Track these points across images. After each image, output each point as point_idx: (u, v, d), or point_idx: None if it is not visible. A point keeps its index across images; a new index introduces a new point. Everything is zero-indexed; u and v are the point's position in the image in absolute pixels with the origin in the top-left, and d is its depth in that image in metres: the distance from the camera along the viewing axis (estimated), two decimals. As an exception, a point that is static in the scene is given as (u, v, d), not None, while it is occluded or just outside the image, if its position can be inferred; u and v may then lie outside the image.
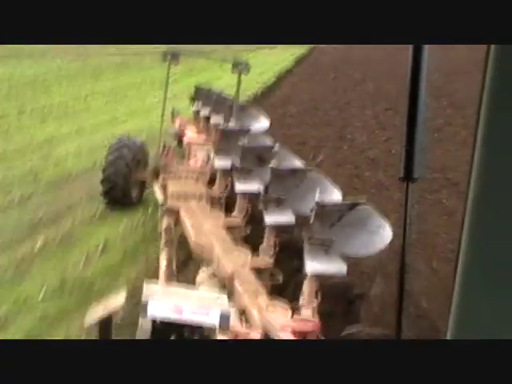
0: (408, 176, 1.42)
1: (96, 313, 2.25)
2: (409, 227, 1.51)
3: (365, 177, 9.31)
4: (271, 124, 9.47)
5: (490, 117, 1.11)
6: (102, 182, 7.60)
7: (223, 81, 7.27)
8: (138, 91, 16.97)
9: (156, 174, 7.47)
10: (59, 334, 4.70)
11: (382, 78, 18.02)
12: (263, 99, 15.73)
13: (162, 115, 8.29)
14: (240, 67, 8.07)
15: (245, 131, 7.01)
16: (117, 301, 2.31)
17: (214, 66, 18.06)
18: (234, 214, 6.01)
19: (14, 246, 6.49)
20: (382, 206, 6.75)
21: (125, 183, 7.51)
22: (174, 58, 7.92)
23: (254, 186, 5.87)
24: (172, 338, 2.31)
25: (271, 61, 23.65)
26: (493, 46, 1.11)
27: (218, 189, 6.83)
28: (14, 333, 4.80)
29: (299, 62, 24.44)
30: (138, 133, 8.83)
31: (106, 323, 2.26)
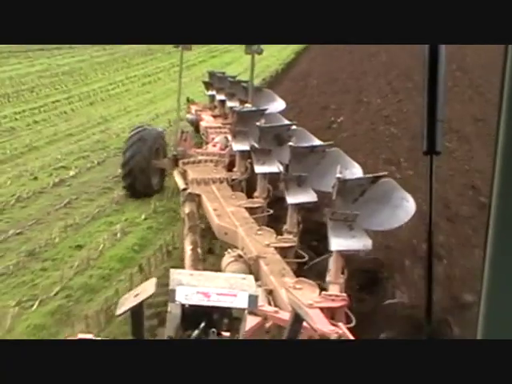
0: (431, 149, 1.40)
1: (127, 301, 2.27)
2: (434, 200, 1.49)
3: (379, 130, 10.51)
4: (295, 94, 12.35)
5: (510, 120, 1.08)
6: (123, 176, 7.64)
7: (245, 59, 7.76)
8: (168, 74, 18.07)
9: (175, 161, 7.49)
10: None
11: (395, 50, 18.83)
12: (285, 75, 17.30)
13: (178, 102, 8.28)
14: (253, 48, 8.01)
15: (261, 112, 6.98)
16: (147, 289, 2.33)
17: (235, 47, 18.80)
18: (256, 195, 6.01)
19: (107, 192, 8.15)
20: (396, 153, 8.89)
21: (145, 171, 7.51)
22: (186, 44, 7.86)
23: (273, 166, 5.86)
24: (202, 321, 2.32)
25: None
26: (510, 47, 1.08)
27: (237, 171, 6.82)
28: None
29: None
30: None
31: (137, 311, 2.28)
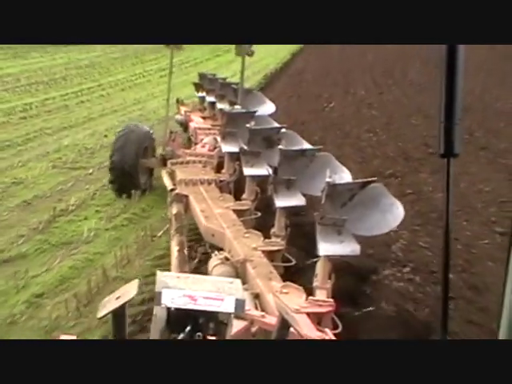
0: (449, 152, 1.37)
1: (109, 304, 2.22)
2: (451, 203, 1.46)
3: (363, 112, 13.51)
4: (293, 86, 16.62)
5: None
6: (110, 170, 7.54)
7: (247, 58, 8.86)
8: (180, 69, 20.22)
9: (164, 161, 7.43)
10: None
11: (380, 50, 22.78)
12: (283, 73, 20.40)
13: (168, 102, 8.23)
14: (244, 49, 7.97)
15: (251, 114, 6.95)
16: (130, 291, 2.28)
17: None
18: (244, 197, 5.98)
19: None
20: (375, 126, 11.85)
21: (133, 170, 7.44)
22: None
23: (262, 168, 5.83)
24: (188, 325, 2.28)
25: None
26: None
27: (226, 173, 6.79)
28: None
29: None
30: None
31: (119, 314, 2.23)
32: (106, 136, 11.13)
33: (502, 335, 1.15)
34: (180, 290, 2.32)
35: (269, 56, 22.86)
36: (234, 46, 8.06)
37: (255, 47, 7.79)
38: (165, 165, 7.35)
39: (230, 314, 2.34)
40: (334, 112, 13.53)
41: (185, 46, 7.99)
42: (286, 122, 9.83)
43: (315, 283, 4.08)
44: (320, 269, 4.12)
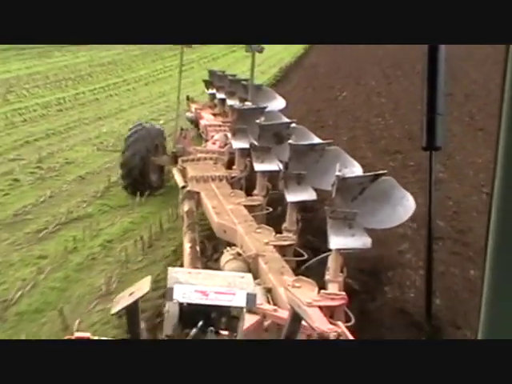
0: (431, 145, 1.37)
1: (123, 300, 2.25)
2: (434, 195, 1.47)
3: (373, 100, 14.49)
4: (307, 78, 17.80)
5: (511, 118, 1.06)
6: (121, 165, 7.57)
7: (264, 55, 10.60)
8: (199, 64, 21.56)
9: (175, 159, 7.46)
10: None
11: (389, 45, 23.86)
12: (297, 66, 21.53)
13: (178, 99, 8.26)
14: (254, 46, 7.99)
15: (261, 110, 6.97)
16: (143, 287, 2.31)
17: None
18: (255, 193, 6.00)
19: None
20: (384, 111, 12.90)
21: (144, 168, 7.46)
22: None
23: (273, 164, 5.85)
24: (200, 320, 2.31)
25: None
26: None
27: (237, 169, 6.81)
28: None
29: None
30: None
31: (132, 310, 2.26)
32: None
33: (481, 335, 1.16)
34: (192, 286, 2.35)
35: (283, 50, 24.38)
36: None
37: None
38: (176, 162, 7.38)
39: (241, 308, 2.36)
40: (346, 100, 14.67)
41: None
42: (303, 109, 12.70)
43: (327, 276, 4.09)
44: (332, 262, 4.13)
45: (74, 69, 20.96)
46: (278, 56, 22.98)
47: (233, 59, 22.64)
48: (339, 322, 3.57)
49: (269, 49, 9.83)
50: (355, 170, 5.15)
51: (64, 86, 17.43)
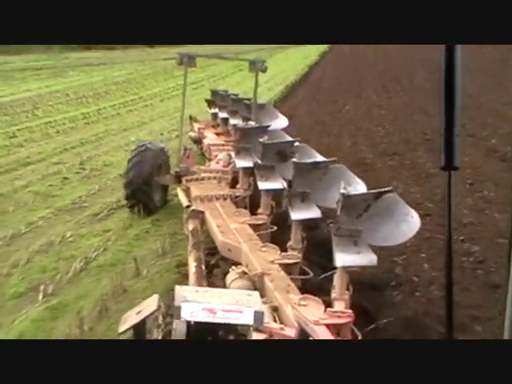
0: (449, 165, 1.38)
1: (130, 318, 2.25)
2: (452, 216, 1.46)
3: (374, 113, 16.01)
4: (311, 93, 19.98)
5: None
6: (125, 186, 7.57)
7: (271, 71, 14.77)
8: (209, 82, 23.07)
9: (178, 178, 7.48)
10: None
11: (390, 59, 27.05)
12: (302, 83, 23.51)
13: (181, 118, 8.29)
14: (257, 66, 8.04)
15: (264, 129, 6.99)
16: (150, 306, 2.31)
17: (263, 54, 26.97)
18: (259, 212, 6.00)
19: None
20: (383, 122, 14.38)
21: (147, 187, 7.47)
22: (190, 60, 7.87)
23: (277, 182, 5.85)
24: (207, 338, 2.30)
25: (300, 56, 34.28)
26: None
27: (241, 188, 6.81)
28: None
29: (323, 55, 34.42)
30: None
31: (140, 328, 2.26)
32: (161, 134, 13.49)
33: (507, 335, 1.15)
34: (199, 304, 2.35)
35: (288, 69, 27.14)
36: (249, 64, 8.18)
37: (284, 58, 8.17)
38: (179, 182, 7.39)
39: (249, 326, 2.36)
40: (349, 113, 16.28)
41: (197, 63, 8.00)
42: (309, 120, 14.67)
43: (333, 295, 4.08)
44: (338, 280, 4.12)
45: (91, 87, 22.66)
46: (283, 74, 25.16)
47: (240, 77, 23.76)
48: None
49: (278, 67, 10.63)
50: (359, 187, 5.15)
51: (85, 102, 19.11)
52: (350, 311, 3.90)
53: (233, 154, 7.43)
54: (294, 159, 5.37)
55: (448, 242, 1.45)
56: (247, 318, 2.35)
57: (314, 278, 4.74)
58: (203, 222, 5.97)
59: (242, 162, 6.74)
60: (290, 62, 29.75)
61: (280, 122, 8.47)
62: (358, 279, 4.50)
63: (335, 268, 4.15)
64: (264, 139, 6.23)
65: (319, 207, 5.15)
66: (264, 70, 8.04)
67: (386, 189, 4.40)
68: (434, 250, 5.97)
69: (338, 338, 3.32)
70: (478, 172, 9.08)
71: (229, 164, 7.66)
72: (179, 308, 2.33)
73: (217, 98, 11.05)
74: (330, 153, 7.09)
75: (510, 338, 1.15)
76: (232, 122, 9.48)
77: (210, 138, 9.70)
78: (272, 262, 4.70)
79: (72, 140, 13.22)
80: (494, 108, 14.91)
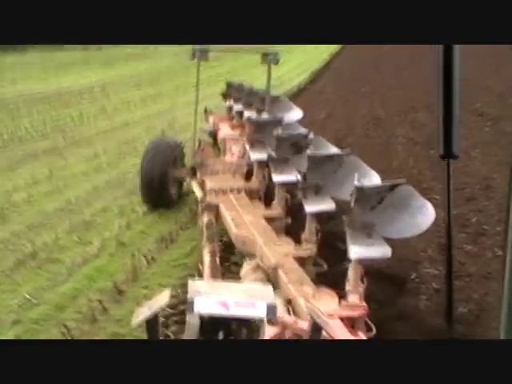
0: (448, 153, 1.37)
1: (142, 313, 2.26)
2: (452, 204, 1.46)
3: (389, 106, 16.12)
4: (332, 82, 21.34)
5: None
6: (142, 189, 7.60)
7: (292, 62, 17.06)
8: (227, 77, 22.06)
9: (193, 172, 7.50)
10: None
11: (402, 56, 26.66)
12: (323, 71, 24.82)
13: (196, 111, 8.29)
14: (270, 58, 8.00)
15: (278, 121, 6.98)
16: (162, 300, 2.32)
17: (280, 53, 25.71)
18: (274, 204, 6.00)
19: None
20: (394, 113, 14.75)
21: (163, 181, 7.49)
22: (203, 54, 7.87)
23: (291, 175, 5.85)
24: (220, 332, 2.31)
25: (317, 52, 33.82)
26: None
27: (255, 181, 6.82)
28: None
29: (337, 53, 34.04)
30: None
31: (152, 323, 2.27)
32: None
33: (504, 334, 1.15)
34: (212, 297, 2.36)
35: (311, 59, 28.99)
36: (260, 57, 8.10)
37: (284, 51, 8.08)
38: (194, 175, 7.41)
39: (262, 319, 2.36)
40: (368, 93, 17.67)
41: (210, 57, 7.96)
42: (334, 96, 17.32)
43: (347, 287, 4.08)
44: (352, 272, 4.11)
45: (128, 80, 24.27)
46: (307, 63, 26.89)
47: (262, 69, 23.98)
48: (360, 333, 3.56)
49: (297, 58, 11.12)
50: (374, 179, 5.12)
51: (143, 86, 21.65)
52: (365, 304, 3.90)
53: (247, 147, 7.42)
54: (308, 151, 5.35)
55: (448, 235, 1.44)
56: (260, 311, 2.35)
57: (328, 269, 4.74)
58: (218, 214, 5.99)
59: (257, 155, 6.74)
60: (313, 52, 31.51)
61: (294, 113, 8.44)
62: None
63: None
64: (278, 132, 6.22)
65: (333, 199, 5.14)
66: (276, 63, 8.00)
67: (400, 181, 4.37)
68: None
69: (340, 339, 3.30)
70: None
71: (243, 156, 7.66)
72: (192, 302, 2.33)
73: (232, 91, 11.02)
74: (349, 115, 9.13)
75: (506, 338, 1.14)
76: (246, 114, 9.45)
77: (224, 130, 9.69)
78: (286, 255, 4.71)
79: (151, 110, 16.25)
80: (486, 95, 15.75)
